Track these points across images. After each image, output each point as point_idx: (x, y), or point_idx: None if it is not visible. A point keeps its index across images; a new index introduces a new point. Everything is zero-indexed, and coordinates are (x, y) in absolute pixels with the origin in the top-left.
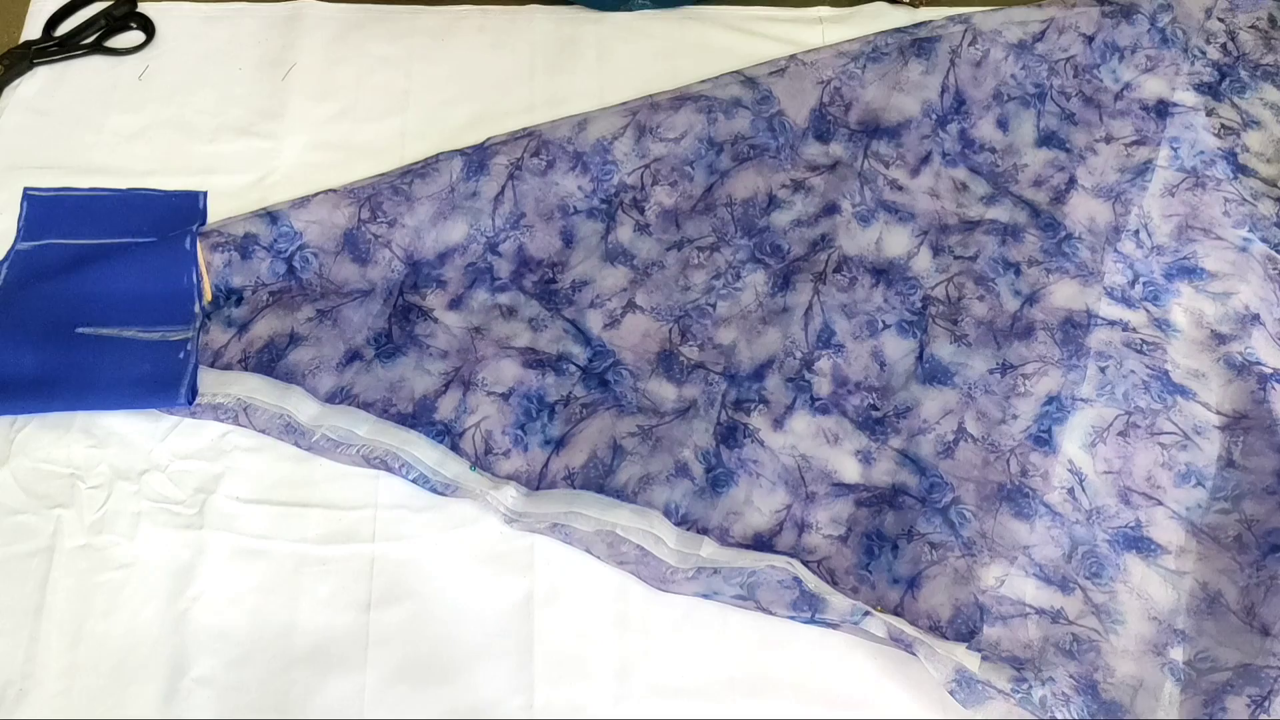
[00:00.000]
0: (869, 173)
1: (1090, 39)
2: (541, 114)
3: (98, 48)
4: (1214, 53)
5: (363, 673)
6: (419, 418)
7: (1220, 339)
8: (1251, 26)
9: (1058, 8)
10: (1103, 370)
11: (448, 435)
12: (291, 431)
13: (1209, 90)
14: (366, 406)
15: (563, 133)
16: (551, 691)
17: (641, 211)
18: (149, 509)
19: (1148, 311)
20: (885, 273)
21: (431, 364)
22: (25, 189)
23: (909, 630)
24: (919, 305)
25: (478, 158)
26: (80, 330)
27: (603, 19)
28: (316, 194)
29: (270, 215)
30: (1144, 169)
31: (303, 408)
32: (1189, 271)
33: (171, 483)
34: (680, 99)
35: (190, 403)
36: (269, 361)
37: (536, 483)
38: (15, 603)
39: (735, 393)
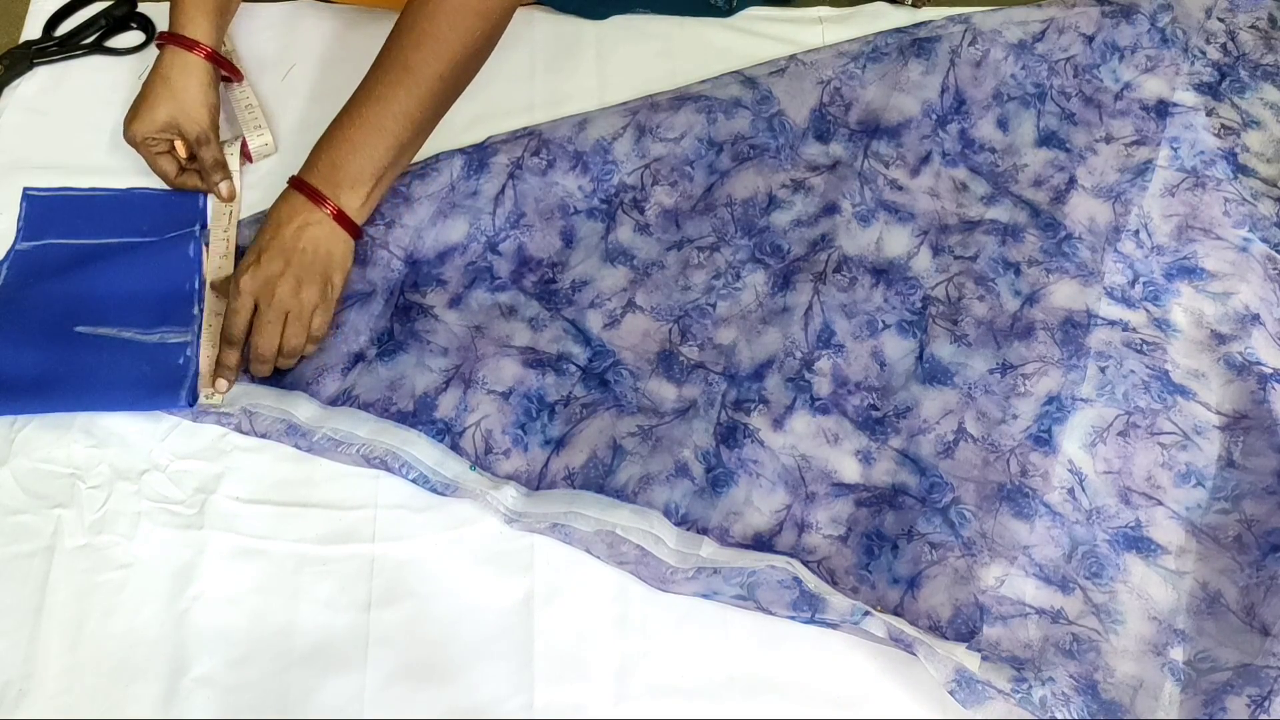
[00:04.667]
0: (869, 173)
1: (1090, 39)
2: (541, 114)
3: (98, 48)
4: (1214, 53)
5: (363, 673)
6: (419, 415)
7: (1220, 339)
8: (1251, 26)
9: (1058, 8)
10: (1103, 370)
11: (448, 434)
12: (293, 433)
13: (1209, 90)
14: (367, 406)
15: (563, 132)
16: (551, 691)
17: (641, 211)
18: (149, 509)
19: (1148, 311)
20: (885, 273)
21: (432, 361)
22: (25, 189)
23: (909, 630)
24: (919, 305)
25: (478, 157)
26: (79, 330)
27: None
28: None
29: None
30: (1144, 169)
31: (304, 409)
32: (1189, 271)
33: (171, 483)
34: (680, 99)
35: (191, 405)
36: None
37: (536, 483)
38: (15, 603)
39: (735, 393)
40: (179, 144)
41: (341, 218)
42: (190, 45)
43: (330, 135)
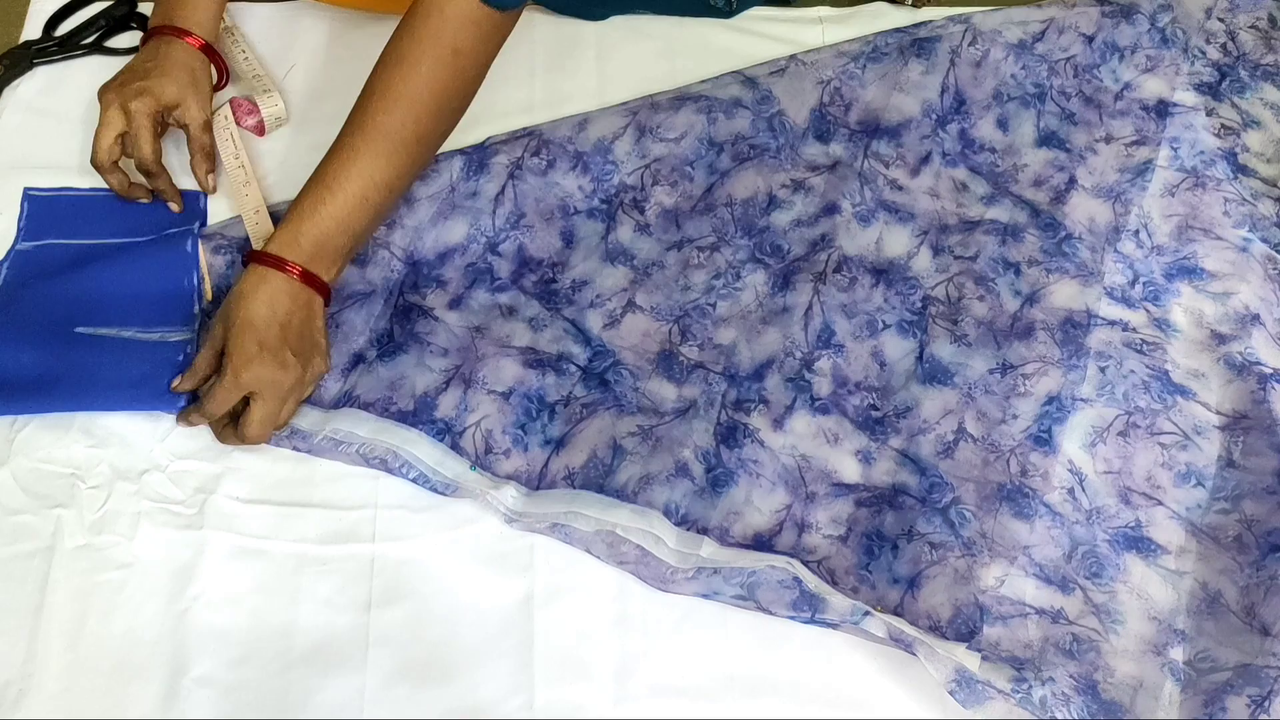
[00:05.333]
0: (869, 173)
1: (1090, 39)
2: (541, 114)
3: (98, 48)
4: (1214, 53)
5: (363, 673)
6: (419, 415)
7: (1220, 339)
8: (1251, 26)
9: (1058, 8)
10: (1103, 370)
11: (448, 434)
12: (293, 436)
13: (1209, 90)
14: (367, 406)
15: (563, 133)
16: (551, 691)
17: (642, 211)
18: (149, 509)
19: (1148, 311)
20: (885, 273)
21: (433, 361)
22: (25, 189)
23: (909, 630)
24: (919, 305)
25: (478, 157)
26: (79, 330)
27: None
28: None
29: (272, 216)
30: (1144, 169)
31: (305, 415)
32: (1189, 271)
33: (171, 483)
34: (680, 99)
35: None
36: None
37: (536, 483)
38: (15, 603)
39: (735, 393)
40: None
41: (319, 285)
42: (186, 35)
43: (310, 208)
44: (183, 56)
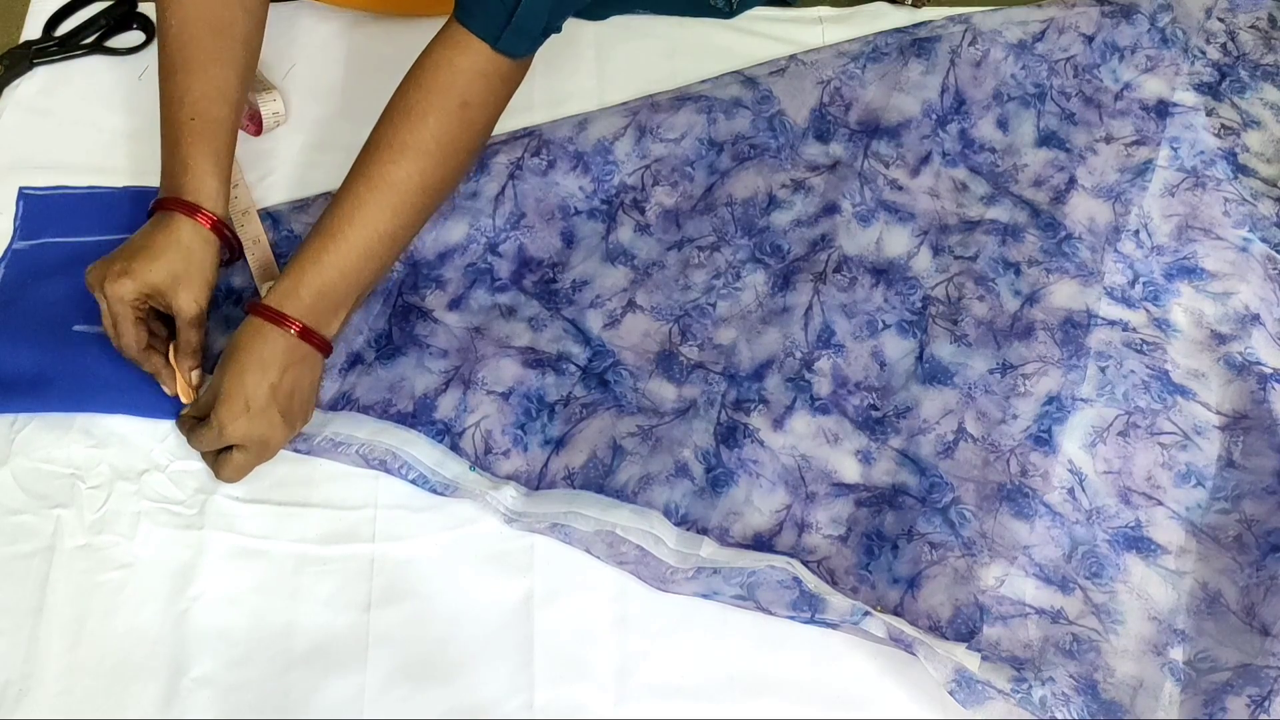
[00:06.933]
0: (869, 173)
1: (1090, 39)
2: (541, 114)
3: (98, 48)
4: (1214, 53)
5: (363, 673)
6: (419, 416)
7: (1220, 339)
8: (1251, 26)
9: (1058, 8)
10: (1103, 370)
11: (447, 434)
12: (293, 438)
13: (1209, 90)
14: (366, 409)
15: (563, 133)
16: (551, 691)
17: (642, 212)
18: (149, 509)
19: (1148, 311)
20: (885, 273)
21: (432, 362)
22: (20, 188)
23: (909, 630)
24: (919, 305)
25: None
26: (77, 328)
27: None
28: (316, 196)
29: (271, 217)
30: (1144, 169)
31: None
32: (1189, 271)
33: (171, 483)
34: (680, 99)
35: None
36: None
37: (536, 483)
38: (15, 603)
39: (735, 393)
40: (130, 325)
41: (318, 341)
42: (194, 211)
43: (312, 258)
44: (185, 236)
